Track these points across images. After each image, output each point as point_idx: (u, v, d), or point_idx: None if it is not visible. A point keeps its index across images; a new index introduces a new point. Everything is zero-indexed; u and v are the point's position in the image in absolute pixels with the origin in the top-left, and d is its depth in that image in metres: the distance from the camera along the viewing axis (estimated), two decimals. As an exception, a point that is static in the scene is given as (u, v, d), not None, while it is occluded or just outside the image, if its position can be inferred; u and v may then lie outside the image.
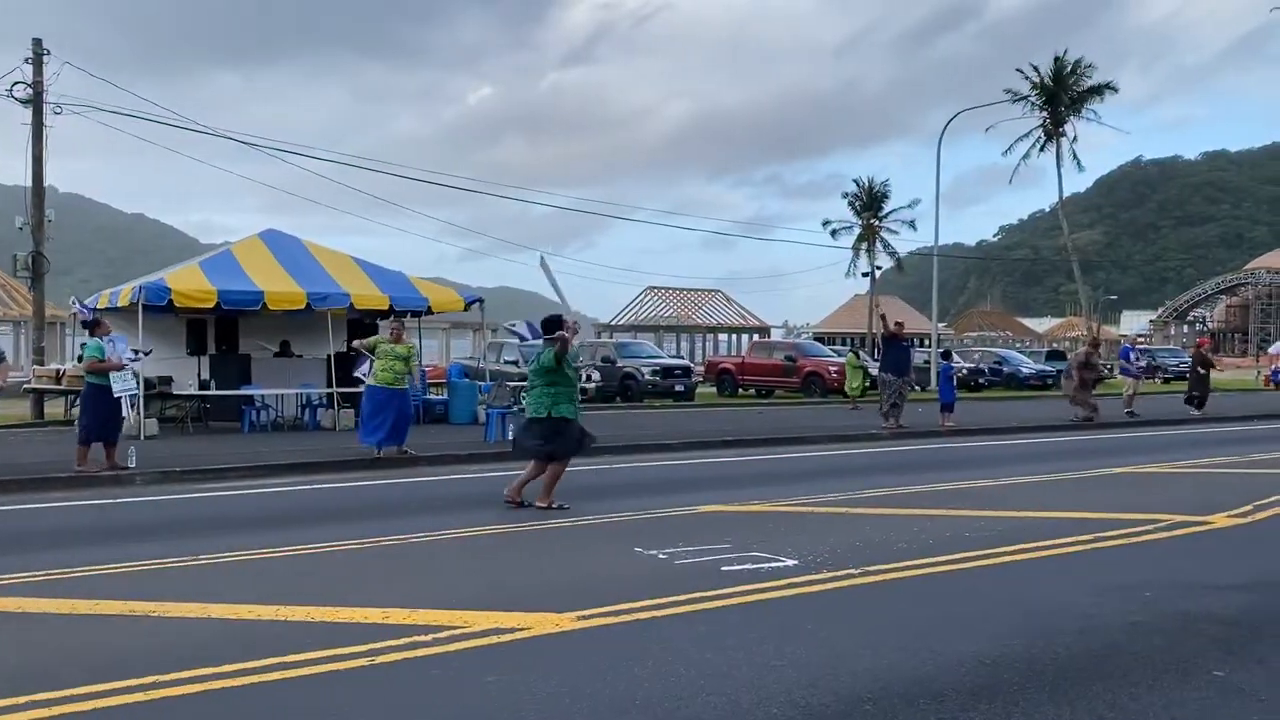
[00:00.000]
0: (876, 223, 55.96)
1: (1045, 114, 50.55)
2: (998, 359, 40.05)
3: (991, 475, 12.33)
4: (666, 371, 27.57)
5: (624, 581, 6.52)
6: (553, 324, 9.86)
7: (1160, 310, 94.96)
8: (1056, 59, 50.42)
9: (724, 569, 6.84)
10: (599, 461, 13.91)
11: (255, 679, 4.53)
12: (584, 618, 5.55)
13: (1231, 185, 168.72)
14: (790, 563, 7.05)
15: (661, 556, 7.24)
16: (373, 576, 6.68)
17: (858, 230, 56.22)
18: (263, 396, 17.95)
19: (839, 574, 6.72)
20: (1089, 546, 7.75)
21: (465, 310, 20.04)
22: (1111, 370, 29.83)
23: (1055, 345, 68.94)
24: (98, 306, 17.10)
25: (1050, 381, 37.35)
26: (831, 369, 30.06)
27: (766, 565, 6.95)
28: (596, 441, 10.06)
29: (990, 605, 6.01)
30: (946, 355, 21.42)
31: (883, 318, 19.43)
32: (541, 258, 11.33)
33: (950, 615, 5.76)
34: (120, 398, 11.82)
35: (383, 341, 13.16)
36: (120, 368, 11.75)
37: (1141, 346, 44.72)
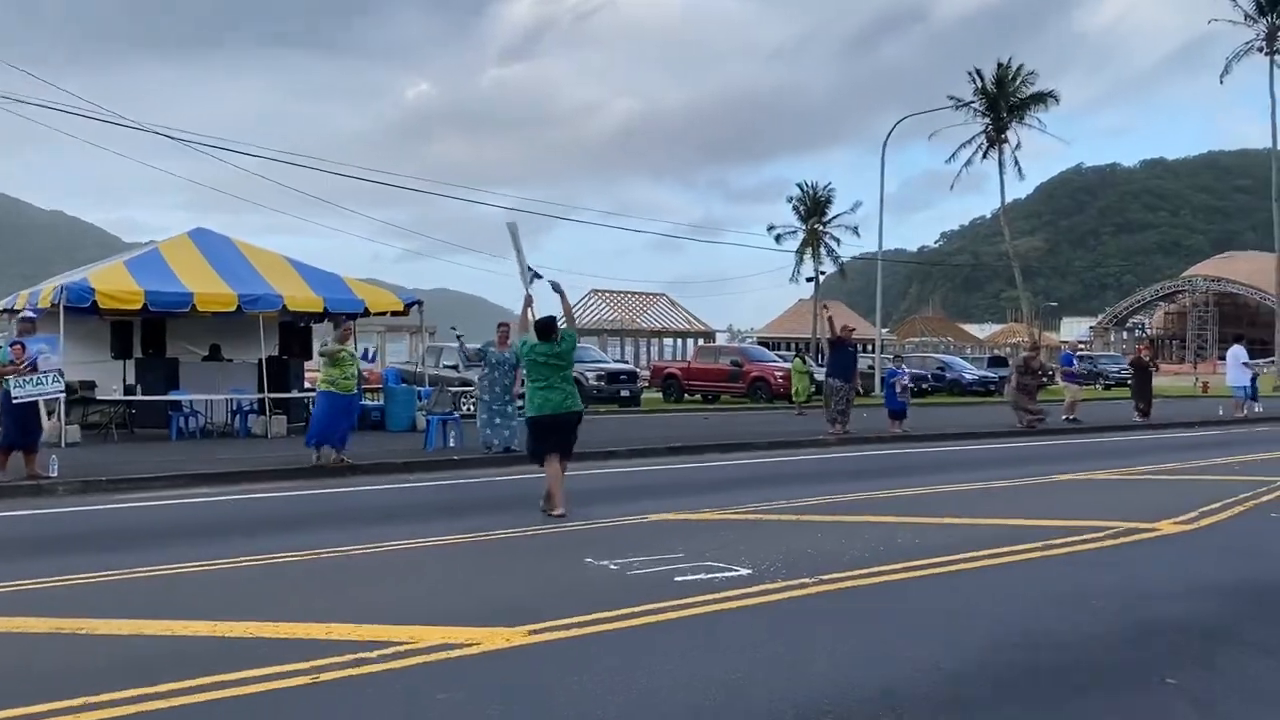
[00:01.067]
0: (820, 228, 56.59)
1: (988, 120, 51.62)
2: (940, 365, 40.71)
3: (939, 481, 12.50)
4: (612, 377, 27.60)
5: (576, 594, 6.49)
6: (548, 328, 9.84)
7: (1100, 317, 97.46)
8: (999, 65, 51.58)
9: (677, 579, 6.83)
10: (543, 470, 13.83)
11: (192, 699, 4.42)
12: (535, 632, 5.51)
13: (1169, 193, 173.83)
14: (744, 572, 7.06)
15: (613, 567, 7.23)
16: (315, 591, 6.57)
17: (802, 235, 56.85)
18: (191, 402, 17.60)
19: (793, 583, 6.75)
20: (1039, 554, 7.87)
21: (404, 313, 19.82)
22: (1053, 376, 30.51)
23: (996, 351, 70.37)
24: (14, 309, 16.61)
25: (992, 388, 38.14)
26: (777, 374, 30.35)
27: (720, 575, 6.96)
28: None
29: (945, 614, 6.07)
30: (897, 360, 21.65)
31: (829, 320, 19.63)
32: (510, 223, 11.27)
33: (906, 625, 5.81)
34: (35, 402, 11.46)
35: (339, 349, 13.02)
36: (12, 372, 11.34)
37: (1082, 353, 45.88)
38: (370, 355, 20.15)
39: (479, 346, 15.30)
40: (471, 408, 23.39)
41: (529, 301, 10.84)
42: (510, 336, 13.64)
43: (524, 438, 10.40)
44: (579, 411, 9.93)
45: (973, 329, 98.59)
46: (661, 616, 5.87)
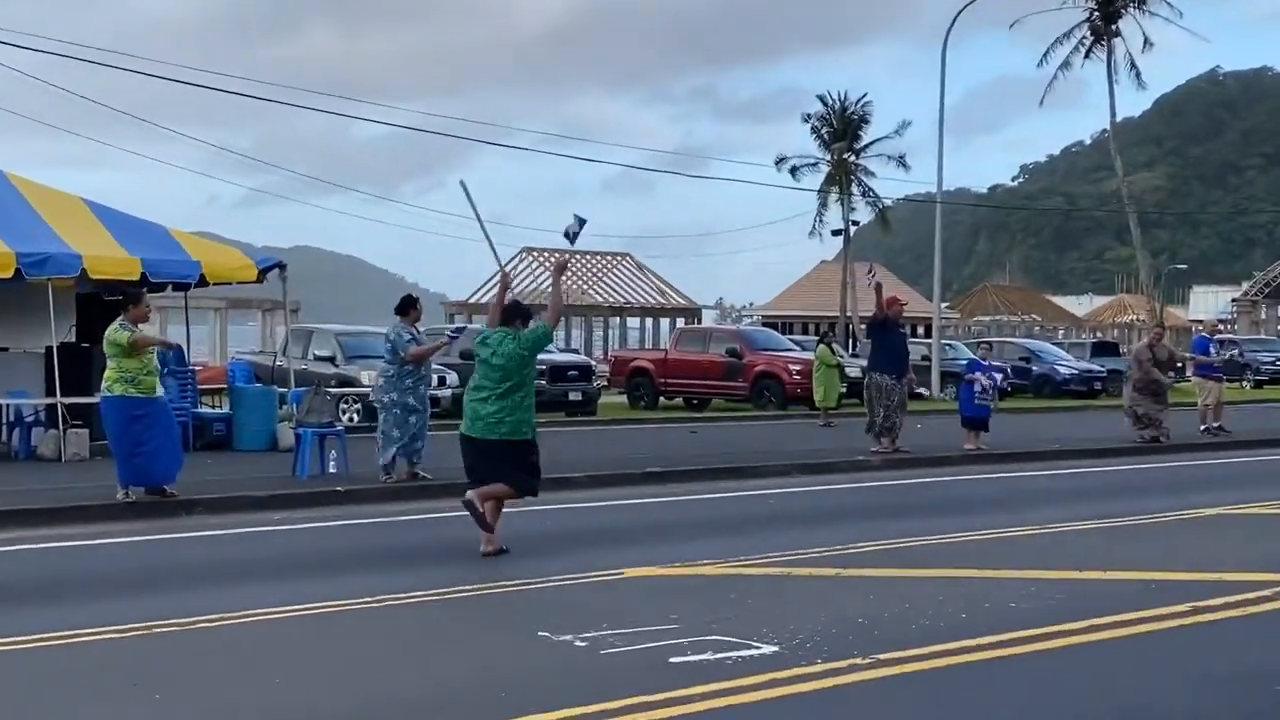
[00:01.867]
0: (852, 158, 56.91)
1: (1093, 6, 52.05)
2: (1024, 354, 41.06)
3: (1033, 520, 12.63)
4: (556, 372, 27.52)
5: (529, 681, 6.47)
6: (512, 314, 10.47)
7: (1246, 285, 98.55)
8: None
9: (672, 660, 6.85)
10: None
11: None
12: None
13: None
14: (767, 649, 7.09)
15: (579, 644, 7.24)
16: (154, 677, 6.54)
17: (825, 169, 57.08)
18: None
19: (839, 665, 6.78)
20: (1185, 620, 7.98)
21: (257, 281, 19.64)
22: (1183, 368, 30.87)
23: (1101, 334, 71.17)
24: None
25: (1099, 386, 38.55)
26: (793, 368, 30.45)
27: (734, 654, 6.98)
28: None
29: (1060, 705, 6.11)
30: (986, 347, 21.78)
31: (877, 289, 19.66)
32: (461, 181, 11.78)
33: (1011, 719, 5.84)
34: None
35: (129, 330, 12.88)
36: None
37: (1223, 336, 46.37)
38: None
39: (402, 328, 14.98)
40: (355, 417, 23.36)
41: (506, 282, 11.12)
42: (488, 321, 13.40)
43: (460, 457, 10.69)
44: (520, 441, 10.23)
45: (1067, 302, 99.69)
46: (651, 716, 5.86)
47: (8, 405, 18.17)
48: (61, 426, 17.11)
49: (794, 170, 55.99)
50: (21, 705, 6.15)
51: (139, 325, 13.11)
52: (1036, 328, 76.73)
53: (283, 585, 9.20)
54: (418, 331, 14.82)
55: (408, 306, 14.85)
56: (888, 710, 6.11)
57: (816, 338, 32.40)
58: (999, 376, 20.47)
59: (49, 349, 17.71)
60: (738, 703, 6.10)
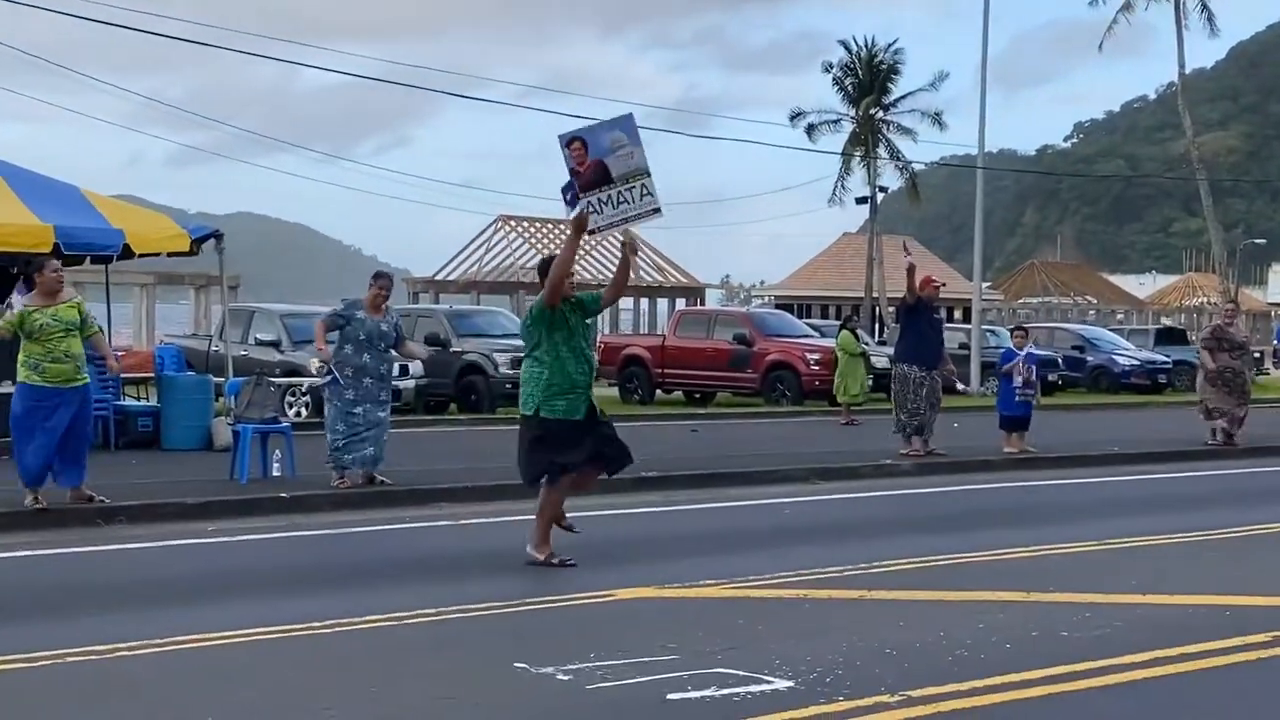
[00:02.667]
0: (880, 115, 56.83)
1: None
2: (1078, 341, 41.14)
3: (1087, 535, 12.65)
4: (535, 360, 27.55)
5: (502, 722, 6.43)
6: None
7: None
8: None
9: (670, 697, 6.85)
10: (438, 514, 13.85)
11: None
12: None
13: None
14: (780, 684, 7.08)
15: (562, 677, 7.23)
16: (63, 715, 6.51)
17: (849, 127, 57.02)
18: None
19: (863, 703, 6.76)
20: (1265, 653, 7.98)
21: (191, 252, 19.57)
22: (1262, 359, 30.91)
23: (1167, 320, 71.17)
24: None
25: (1163, 379, 38.63)
26: (810, 358, 30.50)
27: (741, 690, 6.97)
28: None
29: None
30: (1021, 334, 21.62)
31: (910, 269, 19.59)
32: (560, 136, 11.22)
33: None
34: None
35: (31, 311, 12.77)
36: None
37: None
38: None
39: (338, 310, 15.03)
40: (303, 411, 23.33)
41: (633, 248, 11.11)
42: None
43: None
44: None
45: (1127, 282, 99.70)
46: (649, 760, 5.86)
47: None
48: (-41, 419, 17.04)
49: (810, 129, 55.78)
50: None
51: (52, 299, 12.94)
52: (1092, 311, 76.70)
53: (214, 608, 9.16)
54: (378, 311, 14.70)
55: (375, 278, 14.94)
56: (920, 757, 6.07)
57: (838, 322, 32.46)
58: (1032, 363, 20.20)
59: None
60: (747, 748, 6.09)
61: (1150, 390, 37.96)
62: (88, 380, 13.03)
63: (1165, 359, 39.82)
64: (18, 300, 13.68)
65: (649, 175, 10.81)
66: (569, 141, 10.84)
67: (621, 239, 11.02)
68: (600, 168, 10.72)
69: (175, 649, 7.95)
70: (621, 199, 10.76)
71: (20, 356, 12.91)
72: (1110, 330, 49.61)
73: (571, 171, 10.77)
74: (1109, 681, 7.32)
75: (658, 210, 10.94)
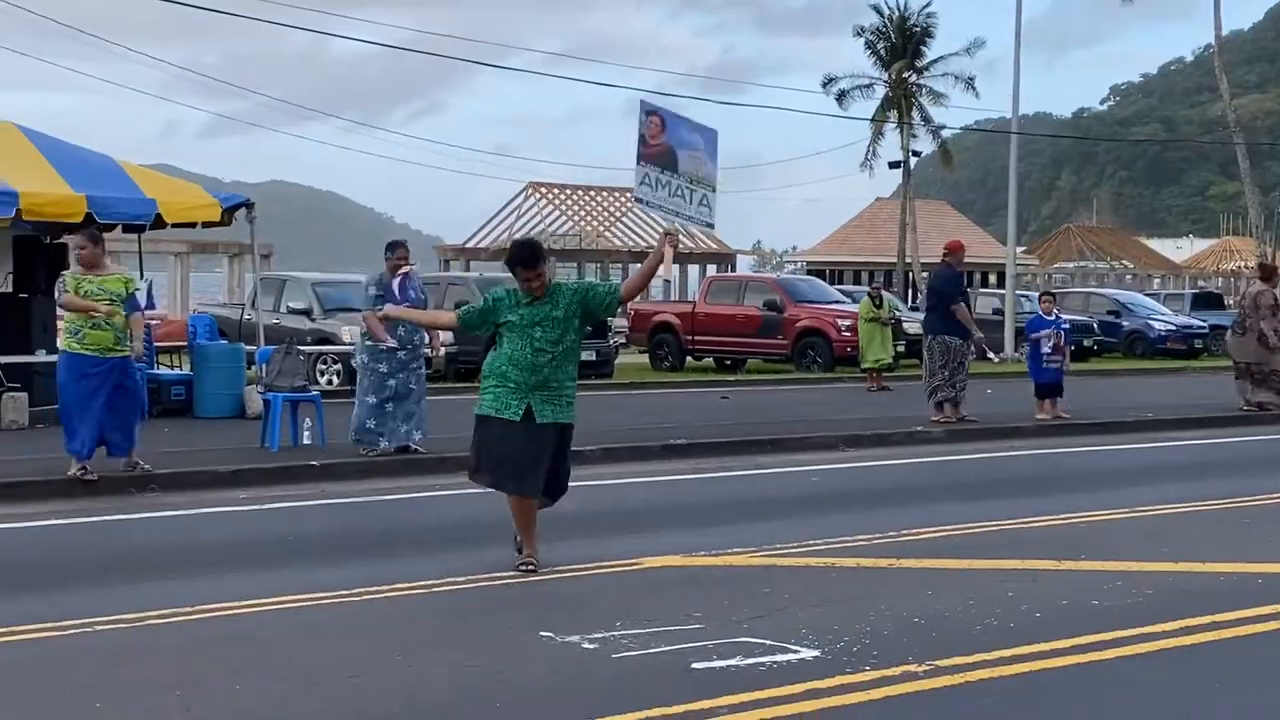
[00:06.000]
0: (913, 79, 56.52)
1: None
2: (1113, 306, 40.92)
3: (1118, 503, 12.60)
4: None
5: (528, 689, 6.48)
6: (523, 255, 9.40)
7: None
8: None
9: (695, 666, 6.86)
10: (466, 482, 13.82)
11: None
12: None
13: None
14: (806, 654, 7.09)
15: (587, 646, 7.25)
16: (94, 682, 6.57)
17: (882, 92, 56.75)
18: None
19: (890, 673, 6.77)
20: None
21: (222, 222, 19.61)
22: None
23: (1204, 284, 70.74)
24: None
25: (1199, 344, 38.38)
26: (841, 324, 30.42)
27: (766, 660, 6.98)
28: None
29: (1159, 717, 6.08)
30: (1049, 300, 21.47)
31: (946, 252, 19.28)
32: (643, 102, 11.23)
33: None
34: None
35: (80, 279, 12.82)
36: None
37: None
38: (147, 298, 19.16)
39: (376, 294, 14.79)
40: (334, 380, 23.41)
41: (672, 242, 10.26)
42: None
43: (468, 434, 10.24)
44: (556, 425, 9.40)
45: (1164, 246, 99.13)
46: (670, 730, 5.87)
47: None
48: (-3, 389, 17.17)
49: (841, 95, 55.53)
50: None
51: (91, 271, 12.97)
52: (1128, 276, 76.31)
53: (245, 575, 9.23)
54: (406, 278, 14.64)
55: (390, 249, 14.84)
56: (946, 725, 6.07)
57: (871, 286, 32.29)
58: (1061, 329, 20.06)
59: (-19, 301, 17.76)
60: (770, 716, 6.09)
61: (1186, 355, 37.72)
62: (125, 353, 13.00)
63: (1201, 324, 39.56)
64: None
65: (714, 191, 10.86)
66: (650, 112, 10.95)
67: (665, 229, 10.81)
68: (669, 153, 10.75)
69: (204, 616, 8.02)
70: (678, 192, 10.77)
71: (63, 324, 13.00)
72: (1145, 295, 49.34)
73: (641, 138, 10.79)
74: (1138, 650, 7.30)
75: (710, 224, 11.00)
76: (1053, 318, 20.12)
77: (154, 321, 22.82)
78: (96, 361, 12.76)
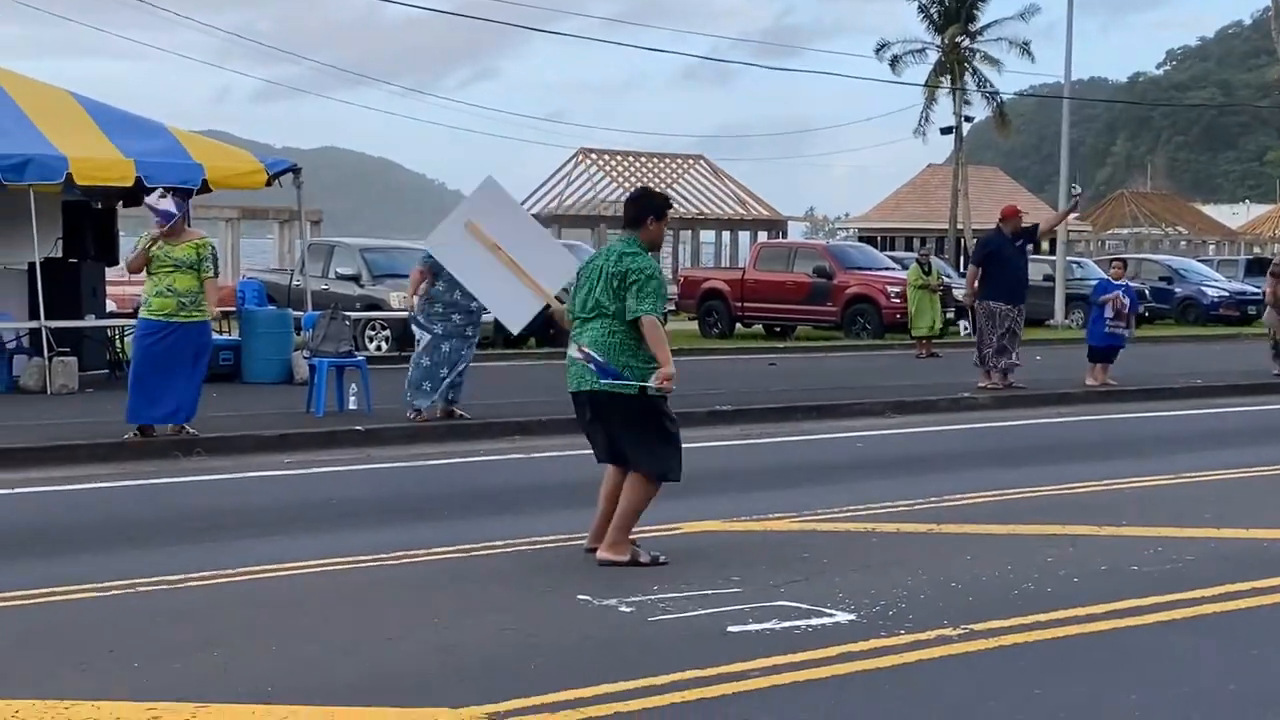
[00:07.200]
0: (966, 44, 56.07)
1: None
2: (1165, 273, 40.65)
3: (1163, 469, 12.57)
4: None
5: (564, 652, 6.52)
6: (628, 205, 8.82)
7: None
8: None
9: (731, 629, 6.90)
10: (511, 448, 13.96)
11: None
12: (497, 716, 5.55)
13: None
14: (842, 618, 7.11)
15: (625, 609, 7.29)
16: (135, 643, 6.64)
17: (934, 58, 56.35)
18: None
19: (925, 636, 6.79)
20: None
21: (268, 185, 19.71)
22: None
23: (1259, 250, 69.98)
24: None
25: (1253, 311, 38.05)
26: (891, 290, 30.34)
27: (802, 624, 7.01)
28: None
29: (1187, 685, 6.11)
30: (1119, 265, 21.30)
31: (1074, 201, 19.09)
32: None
33: (1128, 705, 5.83)
34: None
35: (149, 239, 12.90)
36: None
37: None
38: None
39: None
40: (383, 345, 23.51)
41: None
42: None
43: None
44: (598, 393, 8.32)
45: (1219, 212, 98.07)
46: (702, 693, 5.89)
47: (-13, 329, 18.36)
48: (47, 354, 17.32)
49: (894, 61, 55.19)
50: (82, 648, 6.36)
51: (167, 237, 12.99)
52: (1183, 242, 75.61)
53: (287, 538, 9.33)
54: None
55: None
56: (981, 689, 6.07)
57: (920, 251, 32.15)
58: (1127, 296, 19.90)
59: (33, 265, 17.90)
60: (805, 679, 6.12)
61: (1239, 322, 37.44)
62: (198, 320, 13.04)
63: (1255, 290, 39.15)
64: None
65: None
66: None
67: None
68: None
69: (245, 579, 8.10)
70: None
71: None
72: (1199, 261, 48.93)
73: None
74: (1177, 616, 7.29)
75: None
76: (1121, 283, 20.06)
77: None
78: (162, 326, 12.88)
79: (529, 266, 9.42)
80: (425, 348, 14.46)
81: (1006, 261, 18.96)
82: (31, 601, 7.51)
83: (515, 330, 11.52)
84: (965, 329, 27.47)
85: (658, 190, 9.46)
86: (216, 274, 13.39)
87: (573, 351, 8.43)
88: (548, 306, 9.58)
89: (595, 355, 8.23)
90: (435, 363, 14.42)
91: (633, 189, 10.09)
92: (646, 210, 8.64)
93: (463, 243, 9.63)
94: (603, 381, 8.22)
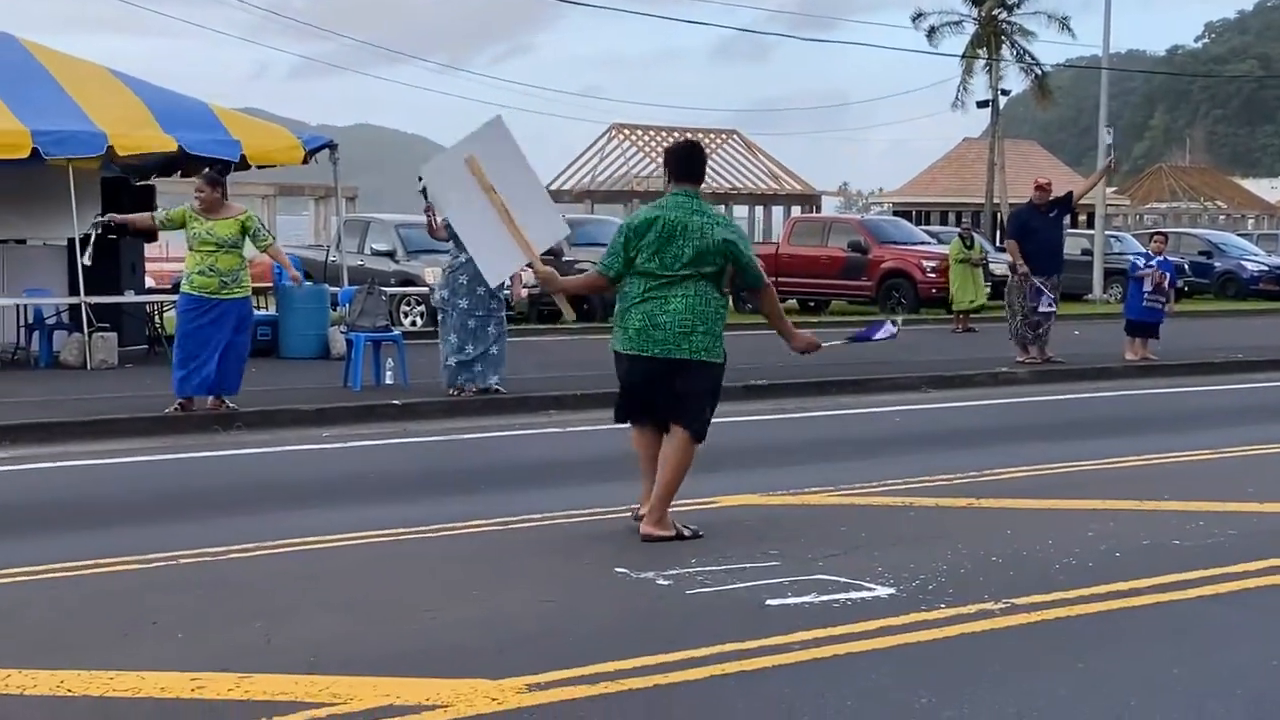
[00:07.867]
0: (1003, 17, 55.77)
1: None
2: (1205, 248, 40.40)
3: (1204, 443, 12.47)
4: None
5: (600, 624, 6.54)
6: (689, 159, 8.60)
7: None
8: None
9: (769, 603, 6.90)
10: (547, 422, 13.99)
11: None
12: (536, 687, 5.58)
13: None
14: (881, 592, 7.11)
15: (662, 582, 7.29)
16: (178, 614, 6.67)
17: (971, 29, 56.04)
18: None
19: (965, 611, 6.77)
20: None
21: (305, 163, 19.77)
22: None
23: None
24: None
25: (1292, 285, 37.89)
26: (927, 265, 30.24)
27: (842, 596, 7.01)
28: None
29: (1231, 661, 6.09)
30: (1161, 239, 21.15)
31: (1109, 164, 19.03)
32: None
33: (1170, 680, 5.82)
34: None
35: (193, 218, 12.92)
36: None
37: None
38: None
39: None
40: (419, 320, 23.55)
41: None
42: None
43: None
44: (688, 361, 8.22)
45: (1259, 186, 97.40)
46: (741, 666, 5.90)
47: (25, 305, 18.47)
48: (86, 330, 17.41)
49: (932, 31, 54.94)
50: (40, 640, 6.32)
51: (209, 214, 13.02)
52: (1222, 216, 75.13)
53: (326, 511, 9.37)
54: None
55: None
56: (1022, 663, 6.06)
57: (958, 229, 32.04)
58: (1166, 270, 19.77)
59: (71, 241, 17.97)
60: (844, 652, 6.11)
61: (1279, 297, 37.21)
62: (239, 296, 13.12)
63: (1294, 266, 39.03)
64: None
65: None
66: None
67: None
68: None
69: (286, 551, 8.16)
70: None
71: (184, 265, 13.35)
72: (1238, 235, 48.62)
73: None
74: (1219, 590, 7.24)
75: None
76: (1160, 258, 19.92)
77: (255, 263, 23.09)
78: (203, 301, 12.94)
79: (520, 219, 9.12)
80: (452, 325, 14.38)
81: (1035, 232, 18.93)
82: (75, 574, 7.56)
83: (494, 283, 11.51)
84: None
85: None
86: (274, 239, 13.50)
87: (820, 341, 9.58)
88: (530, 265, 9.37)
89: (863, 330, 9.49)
90: (462, 339, 14.33)
91: (660, 162, 9.48)
92: (704, 162, 8.69)
93: (459, 177, 9.33)
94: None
